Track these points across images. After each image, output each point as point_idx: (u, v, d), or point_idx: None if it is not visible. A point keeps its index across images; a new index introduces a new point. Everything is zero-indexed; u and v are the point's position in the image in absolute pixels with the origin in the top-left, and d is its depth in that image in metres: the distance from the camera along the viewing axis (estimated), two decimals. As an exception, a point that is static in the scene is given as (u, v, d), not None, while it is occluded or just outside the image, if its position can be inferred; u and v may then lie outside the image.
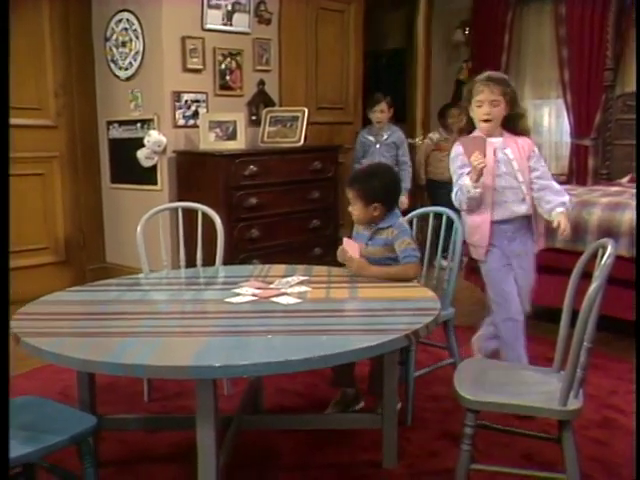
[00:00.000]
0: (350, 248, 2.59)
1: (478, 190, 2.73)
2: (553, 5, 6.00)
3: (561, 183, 5.27)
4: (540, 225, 2.96)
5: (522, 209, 2.84)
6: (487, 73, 2.84)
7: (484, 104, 2.77)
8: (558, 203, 2.79)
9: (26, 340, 1.89)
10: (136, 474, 2.39)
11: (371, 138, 4.97)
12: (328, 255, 2.78)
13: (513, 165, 2.80)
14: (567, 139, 6.13)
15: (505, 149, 2.82)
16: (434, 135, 5.94)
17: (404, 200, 4.62)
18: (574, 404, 1.94)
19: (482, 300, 3.24)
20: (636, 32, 5.33)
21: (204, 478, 1.85)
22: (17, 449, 1.70)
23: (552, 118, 6.42)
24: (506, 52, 6.29)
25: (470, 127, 2.89)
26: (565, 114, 6.04)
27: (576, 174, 5.93)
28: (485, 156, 2.68)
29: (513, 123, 2.85)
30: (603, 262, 1.88)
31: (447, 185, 3.22)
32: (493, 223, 2.83)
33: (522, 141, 2.86)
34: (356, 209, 2.63)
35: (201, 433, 1.83)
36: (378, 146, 4.92)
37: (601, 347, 3.39)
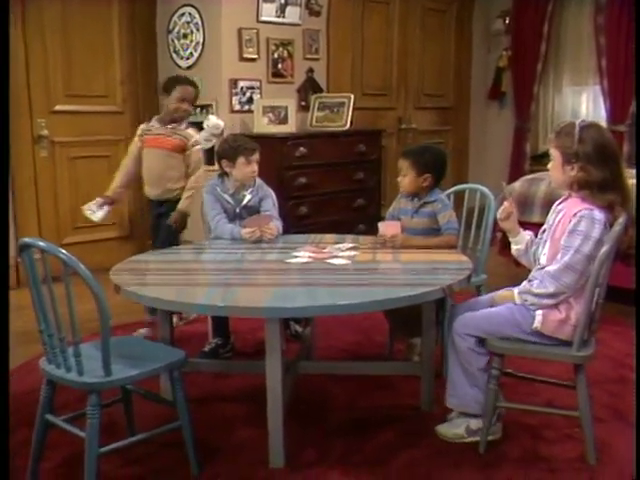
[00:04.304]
0: (390, 229, 2.87)
1: None
2: (593, -6, 6.16)
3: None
4: None
5: None
6: None
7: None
8: None
9: (126, 288, 2.29)
10: (210, 410, 2.78)
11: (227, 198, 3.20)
12: (371, 232, 3.12)
13: None
14: (604, 125, 6.28)
15: None
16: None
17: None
18: (587, 350, 2.27)
19: (516, 274, 3.52)
20: (636, 31, 5.48)
21: (272, 405, 2.24)
22: (122, 372, 2.08)
23: (589, 104, 6.61)
24: (545, 41, 6.47)
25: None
26: (602, 101, 6.23)
27: (611, 159, 6.09)
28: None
29: None
30: (613, 229, 2.20)
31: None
32: None
33: None
34: (407, 179, 2.86)
35: (270, 365, 2.21)
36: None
37: (624, 317, 3.66)
